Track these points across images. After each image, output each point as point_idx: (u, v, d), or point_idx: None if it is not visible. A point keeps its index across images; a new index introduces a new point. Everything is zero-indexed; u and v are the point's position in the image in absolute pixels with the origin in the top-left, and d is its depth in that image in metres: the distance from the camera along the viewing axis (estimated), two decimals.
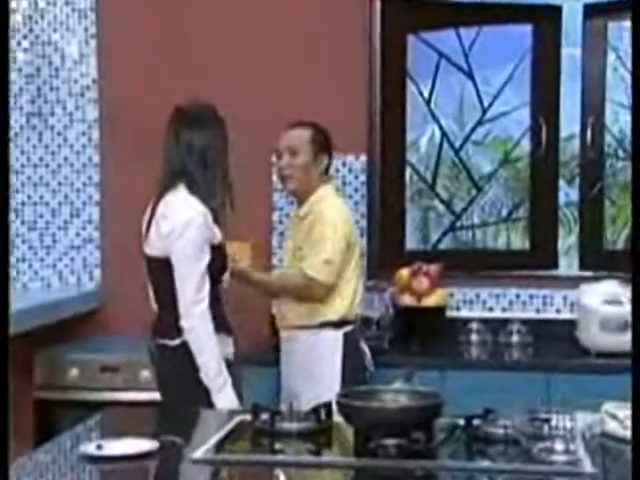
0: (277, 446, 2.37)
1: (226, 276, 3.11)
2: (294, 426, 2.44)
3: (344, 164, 4.24)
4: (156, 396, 3.14)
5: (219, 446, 2.36)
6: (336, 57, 4.21)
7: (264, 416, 2.48)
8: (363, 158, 4.26)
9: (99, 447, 2.27)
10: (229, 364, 3.04)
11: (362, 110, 4.23)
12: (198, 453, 2.29)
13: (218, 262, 3.02)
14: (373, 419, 2.30)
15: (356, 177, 4.27)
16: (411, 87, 4.41)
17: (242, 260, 3.41)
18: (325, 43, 4.22)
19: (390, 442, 2.24)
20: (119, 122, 4.29)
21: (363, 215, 4.27)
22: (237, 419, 2.57)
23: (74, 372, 3.86)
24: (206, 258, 2.95)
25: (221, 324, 3.03)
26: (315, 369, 3.40)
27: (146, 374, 3.67)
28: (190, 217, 2.95)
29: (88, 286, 4.36)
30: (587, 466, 2.14)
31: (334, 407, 2.44)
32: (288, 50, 4.24)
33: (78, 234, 4.39)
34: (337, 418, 2.44)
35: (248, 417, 2.52)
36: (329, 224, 3.43)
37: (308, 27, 4.23)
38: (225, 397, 2.96)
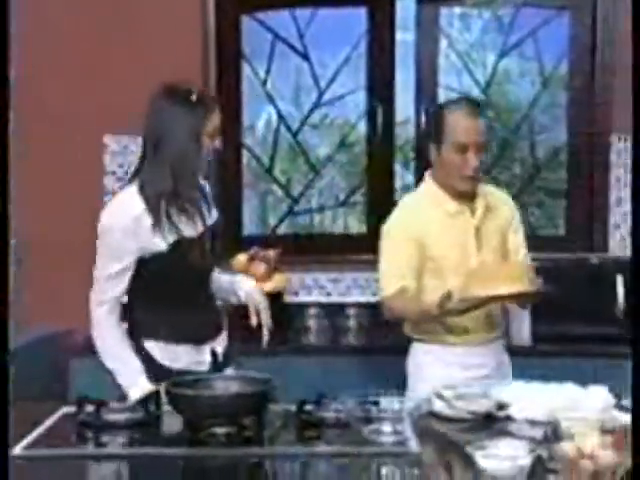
0: (103, 439, 2.32)
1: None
2: (121, 417, 2.40)
3: None
4: None
5: (40, 441, 2.28)
6: (169, 38, 4.10)
7: (89, 408, 2.40)
8: None
9: None
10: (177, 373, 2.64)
11: None
12: (16, 449, 2.20)
13: (167, 266, 2.68)
14: (201, 407, 2.27)
15: None
16: (246, 69, 4.36)
17: None
18: (157, 24, 4.11)
19: (220, 430, 2.24)
20: None
21: None
22: (60, 412, 2.49)
23: None
24: (115, 266, 2.64)
25: (170, 331, 2.72)
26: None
27: None
28: (109, 222, 2.65)
29: None
30: (413, 446, 2.22)
31: (163, 396, 2.39)
32: (119, 36, 4.11)
33: None
34: (167, 408, 2.38)
35: (72, 409, 2.44)
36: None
37: (140, 11, 4.11)
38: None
